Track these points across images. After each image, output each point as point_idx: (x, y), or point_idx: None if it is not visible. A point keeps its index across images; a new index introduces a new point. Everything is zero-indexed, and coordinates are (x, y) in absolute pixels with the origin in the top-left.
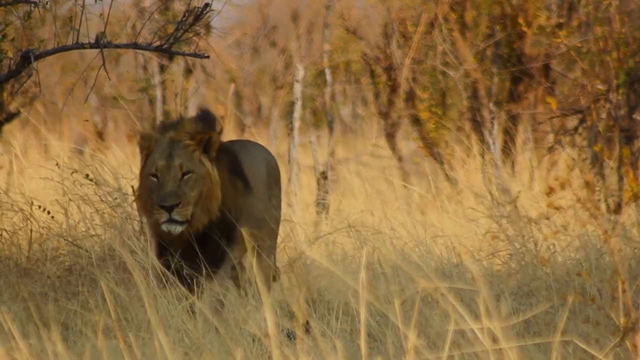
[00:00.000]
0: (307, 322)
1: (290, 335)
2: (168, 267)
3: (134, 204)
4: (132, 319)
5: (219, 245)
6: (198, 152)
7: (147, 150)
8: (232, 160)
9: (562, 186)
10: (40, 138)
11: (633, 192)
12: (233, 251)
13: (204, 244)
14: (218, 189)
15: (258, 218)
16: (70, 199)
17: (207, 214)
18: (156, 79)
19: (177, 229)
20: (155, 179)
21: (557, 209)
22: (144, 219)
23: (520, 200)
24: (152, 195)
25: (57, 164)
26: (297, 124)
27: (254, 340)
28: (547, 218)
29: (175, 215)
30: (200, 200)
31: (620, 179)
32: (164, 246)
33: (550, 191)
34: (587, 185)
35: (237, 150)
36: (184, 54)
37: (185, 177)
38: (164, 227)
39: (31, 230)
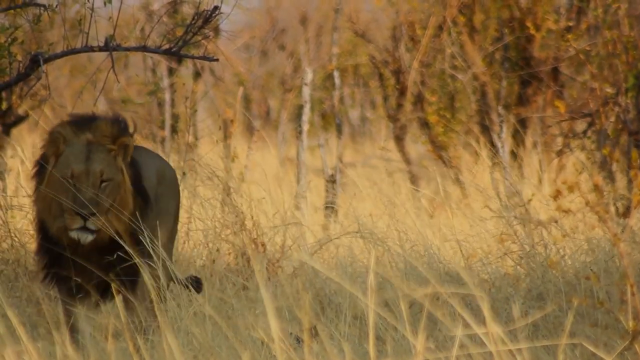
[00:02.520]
0: (315, 327)
1: (299, 340)
2: (59, 279)
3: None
4: (142, 322)
5: (124, 259)
6: (119, 158)
7: (57, 149)
8: (134, 167)
9: (571, 189)
10: None
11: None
12: (145, 268)
13: (108, 255)
14: (130, 198)
15: (153, 229)
16: None
17: (117, 223)
18: (165, 82)
19: (89, 238)
20: (68, 183)
21: (565, 212)
22: (45, 222)
23: (530, 203)
24: (62, 198)
25: None
26: (305, 127)
27: (263, 343)
28: (556, 221)
29: (90, 224)
30: (113, 208)
31: (630, 182)
32: (58, 254)
33: (557, 194)
34: (596, 188)
35: (135, 157)
36: (192, 57)
37: (104, 184)
38: (74, 235)
39: None
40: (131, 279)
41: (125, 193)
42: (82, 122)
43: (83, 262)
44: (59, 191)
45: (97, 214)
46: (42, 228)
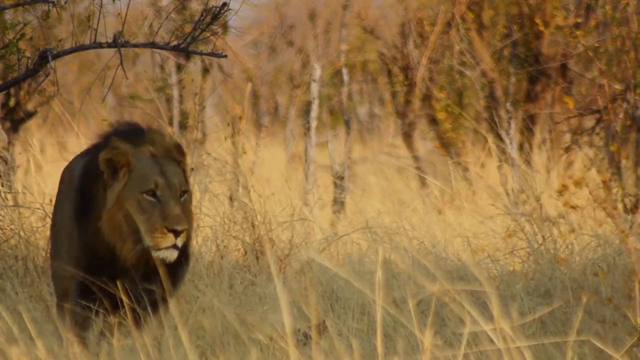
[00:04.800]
0: (324, 322)
1: (307, 336)
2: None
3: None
4: (149, 319)
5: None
6: (184, 169)
7: (127, 165)
8: None
9: (577, 184)
10: (58, 137)
11: None
12: (177, 290)
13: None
14: (194, 215)
15: None
16: None
17: (188, 239)
18: (173, 79)
19: (174, 256)
20: (152, 198)
21: (573, 207)
22: (115, 245)
23: (539, 200)
24: (141, 216)
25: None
26: (314, 123)
27: (271, 339)
28: (562, 217)
29: (180, 241)
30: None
31: (638, 178)
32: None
33: (563, 189)
34: (604, 184)
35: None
36: (201, 54)
37: (182, 198)
38: (160, 254)
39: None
40: (164, 300)
41: (191, 209)
42: (130, 135)
43: (124, 286)
44: (136, 209)
45: (187, 230)
46: (89, 252)
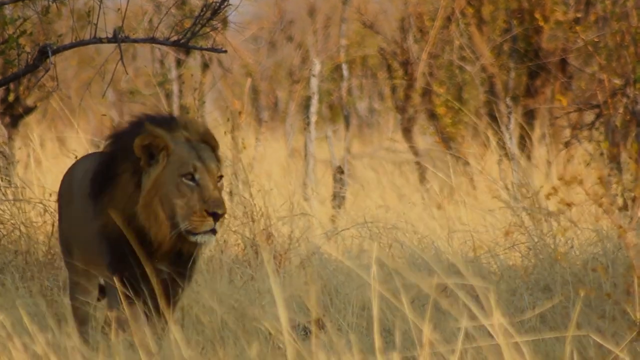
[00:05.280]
0: (321, 319)
1: (306, 331)
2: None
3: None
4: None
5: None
6: (217, 156)
7: (166, 149)
8: None
9: (568, 183)
10: (57, 132)
11: None
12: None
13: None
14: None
15: None
16: None
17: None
18: (173, 74)
19: (212, 241)
20: (191, 182)
21: (568, 205)
22: (150, 230)
23: (538, 195)
24: (179, 200)
25: (76, 158)
26: (313, 118)
27: (270, 334)
28: (562, 213)
29: (219, 226)
30: None
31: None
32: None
33: (553, 192)
34: (601, 180)
35: None
36: (201, 49)
37: (219, 183)
38: (198, 239)
39: (53, 225)
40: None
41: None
42: (163, 121)
43: (153, 272)
44: (174, 193)
45: (225, 214)
46: (114, 242)
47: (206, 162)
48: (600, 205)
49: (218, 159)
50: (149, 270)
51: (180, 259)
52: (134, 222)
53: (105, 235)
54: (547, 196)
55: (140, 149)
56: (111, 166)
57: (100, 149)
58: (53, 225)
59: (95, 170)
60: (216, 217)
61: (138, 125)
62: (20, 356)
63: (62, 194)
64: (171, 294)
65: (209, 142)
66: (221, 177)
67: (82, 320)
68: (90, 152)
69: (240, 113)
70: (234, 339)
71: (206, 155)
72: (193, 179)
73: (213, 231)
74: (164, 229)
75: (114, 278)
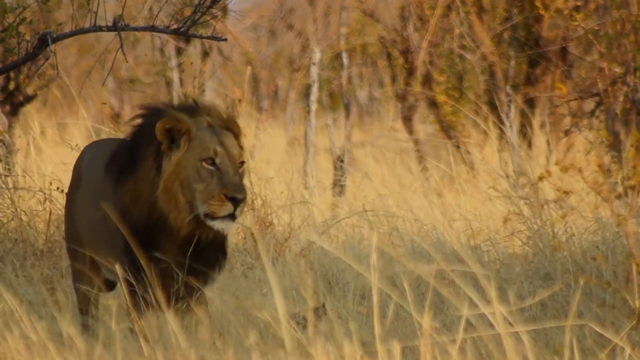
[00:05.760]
0: (323, 305)
1: (306, 319)
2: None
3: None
4: (148, 303)
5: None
6: (239, 143)
7: (188, 133)
8: None
9: (565, 170)
10: (58, 120)
11: None
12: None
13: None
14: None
15: None
16: None
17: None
18: (173, 62)
19: (232, 227)
20: (212, 167)
21: (565, 193)
22: (169, 215)
23: (538, 183)
24: (199, 185)
25: (76, 145)
26: (313, 106)
27: (269, 323)
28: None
29: (238, 211)
30: None
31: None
32: (151, 247)
33: (546, 175)
34: (600, 169)
35: None
36: (201, 37)
37: (240, 169)
38: (216, 224)
39: (50, 213)
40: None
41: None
42: (186, 107)
43: (176, 260)
44: (194, 178)
45: (245, 200)
46: (132, 221)
47: (227, 148)
48: (599, 193)
49: (240, 146)
50: (165, 256)
51: (200, 246)
52: (154, 206)
53: (124, 219)
54: (540, 179)
55: (162, 132)
56: (133, 151)
57: (106, 137)
58: (51, 213)
59: (114, 153)
60: (235, 202)
61: (160, 111)
62: (18, 344)
63: (71, 181)
64: (194, 284)
65: (231, 129)
66: (242, 163)
67: (84, 309)
68: (95, 139)
69: (240, 101)
70: (233, 328)
71: (228, 141)
72: (214, 163)
73: (232, 217)
74: (183, 213)
75: (124, 264)
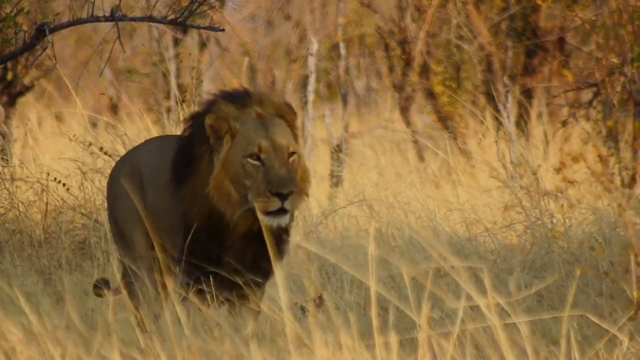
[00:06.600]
0: (321, 296)
1: (304, 310)
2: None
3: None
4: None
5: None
6: (293, 129)
7: (230, 128)
8: None
9: (576, 160)
10: (55, 110)
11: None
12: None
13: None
14: (309, 174)
15: None
16: (84, 172)
17: (299, 204)
18: (170, 53)
19: (285, 221)
20: (257, 162)
21: (570, 182)
22: (224, 212)
23: (536, 174)
24: (247, 181)
25: (74, 136)
26: (311, 97)
27: (268, 314)
28: (561, 192)
29: (288, 204)
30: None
31: (635, 152)
32: (212, 243)
33: (562, 166)
34: (600, 159)
35: None
36: (198, 27)
37: (291, 159)
38: (268, 220)
39: (47, 203)
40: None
41: (304, 167)
42: (237, 97)
43: (235, 257)
44: (241, 174)
45: (295, 192)
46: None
47: (275, 139)
48: (601, 183)
49: (294, 135)
50: (228, 254)
51: (260, 240)
52: (210, 205)
53: (187, 221)
54: (557, 170)
55: (209, 128)
56: (189, 150)
57: (104, 126)
58: (47, 203)
59: (174, 154)
60: (281, 196)
61: (211, 104)
62: (16, 335)
63: (119, 182)
64: (256, 282)
65: (284, 117)
66: (293, 153)
67: (141, 304)
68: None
69: None
70: (232, 318)
71: (277, 131)
72: (259, 158)
73: (283, 210)
74: (238, 210)
75: (184, 263)
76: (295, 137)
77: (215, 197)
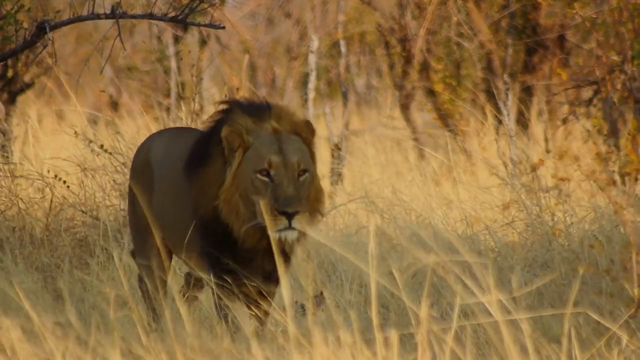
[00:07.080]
0: (321, 293)
1: (304, 308)
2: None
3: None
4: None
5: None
6: (310, 147)
7: (242, 142)
8: None
9: (562, 156)
10: (56, 107)
11: (635, 165)
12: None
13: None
14: (323, 193)
15: None
16: (85, 169)
17: (311, 222)
18: (171, 50)
19: (294, 235)
20: (266, 178)
21: (562, 180)
22: (230, 224)
23: (536, 171)
24: (255, 197)
25: (75, 132)
26: (311, 95)
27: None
28: (557, 188)
29: (296, 223)
30: (308, 204)
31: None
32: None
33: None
34: (598, 157)
35: None
36: (199, 25)
37: (301, 177)
38: (279, 235)
39: (51, 201)
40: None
41: (318, 186)
42: (255, 109)
43: (246, 268)
44: (250, 189)
45: (301, 212)
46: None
47: (286, 156)
48: (596, 182)
49: (310, 153)
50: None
51: (269, 252)
52: (218, 215)
53: (196, 216)
54: (537, 166)
55: (224, 140)
56: (207, 145)
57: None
58: (52, 201)
59: (192, 147)
60: (288, 215)
61: (230, 112)
62: (17, 332)
63: (137, 175)
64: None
65: (301, 134)
66: (304, 171)
67: (155, 306)
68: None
69: (237, 89)
70: (231, 316)
71: (290, 148)
72: (268, 174)
73: (290, 228)
74: (245, 225)
75: (204, 261)
76: (312, 156)
77: (224, 211)
